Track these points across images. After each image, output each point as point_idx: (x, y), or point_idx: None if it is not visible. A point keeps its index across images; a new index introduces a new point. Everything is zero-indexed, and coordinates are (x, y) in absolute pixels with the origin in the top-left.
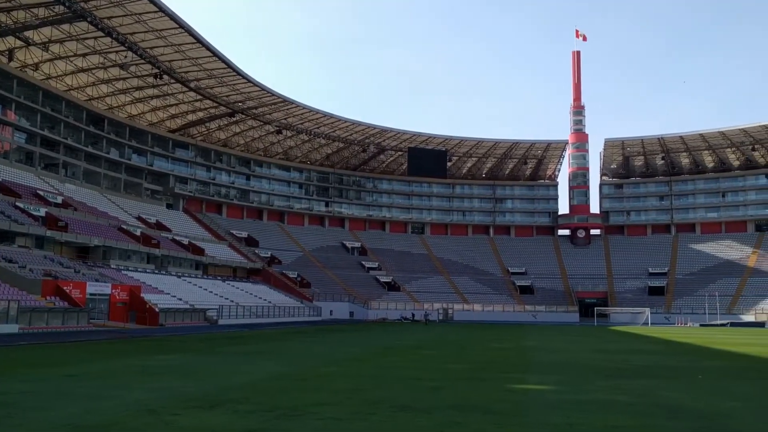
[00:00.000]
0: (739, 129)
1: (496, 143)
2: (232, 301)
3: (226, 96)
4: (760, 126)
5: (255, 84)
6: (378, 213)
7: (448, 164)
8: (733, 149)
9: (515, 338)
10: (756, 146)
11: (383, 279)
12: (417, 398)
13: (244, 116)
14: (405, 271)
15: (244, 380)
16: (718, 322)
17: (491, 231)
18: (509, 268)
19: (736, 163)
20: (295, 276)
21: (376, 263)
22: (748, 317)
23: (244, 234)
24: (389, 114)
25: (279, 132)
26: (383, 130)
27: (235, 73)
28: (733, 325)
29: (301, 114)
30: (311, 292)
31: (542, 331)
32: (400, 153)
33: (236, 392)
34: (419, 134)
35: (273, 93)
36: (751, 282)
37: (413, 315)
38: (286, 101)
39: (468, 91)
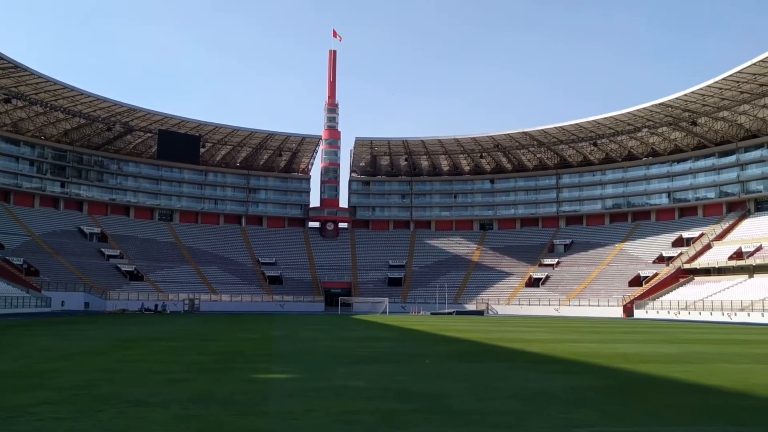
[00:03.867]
0: (470, 138)
1: (252, 133)
2: None
3: None
4: (487, 136)
5: None
6: (122, 197)
7: (202, 150)
8: (465, 155)
9: (262, 328)
10: (483, 154)
11: (125, 268)
12: (153, 392)
13: None
14: (150, 259)
15: None
16: (446, 310)
17: (243, 221)
18: (260, 259)
19: (467, 168)
20: (21, 263)
21: (118, 251)
22: (471, 306)
23: None
24: (140, 94)
25: (7, 101)
26: (132, 109)
27: None
28: (458, 313)
29: (36, 83)
30: (40, 281)
31: (289, 321)
32: (149, 135)
33: None
34: (171, 117)
35: (1, 56)
36: (474, 275)
37: (156, 306)
38: (17, 67)
39: (226, 78)
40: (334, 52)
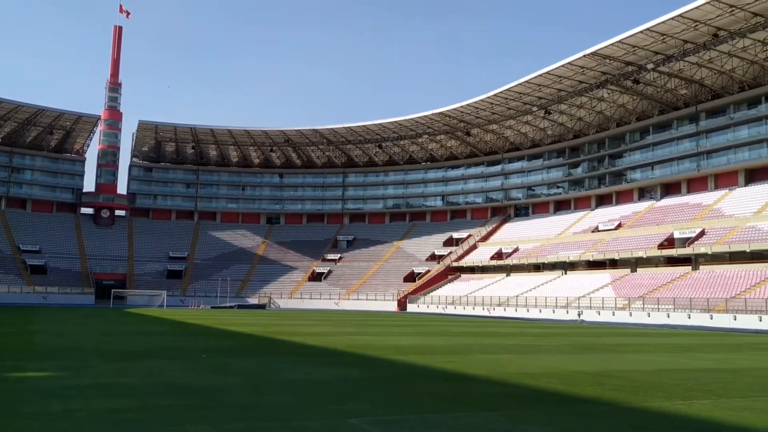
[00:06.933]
0: (262, 130)
1: (19, 106)
2: None
3: None
4: (278, 131)
5: None
6: None
7: None
8: (256, 148)
9: (19, 322)
10: (274, 148)
11: None
12: None
13: None
14: None
15: None
16: (228, 304)
17: (3, 203)
18: (21, 246)
19: (256, 161)
20: None
21: None
22: (253, 300)
23: None
24: None
25: None
26: None
27: None
28: (240, 307)
29: None
30: None
31: (53, 314)
32: None
33: None
34: None
35: None
36: (258, 268)
37: None
38: None
39: None
40: (120, 28)
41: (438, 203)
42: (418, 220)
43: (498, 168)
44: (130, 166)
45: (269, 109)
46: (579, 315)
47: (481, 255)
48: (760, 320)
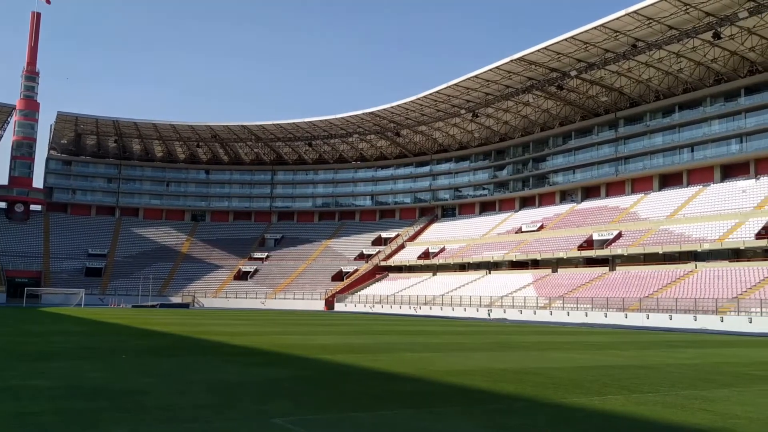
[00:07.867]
0: (188, 125)
1: None
2: None
3: None
4: (205, 126)
5: None
6: None
7: None
8: (181, 143)
9: None
10: (200, 144)
11: None
12: None
13: None
14: None
15: None
16: (150, 303)
17: None
18: None
19: (182, 157)
20: None
21: None
22: (177, 299)
23: None
24: None
25: None
26: None
27: None
28: (162, 306)
29: None
30: None
31: None
32: None
33: None
34: None
35: None
36: (182, 266)
37: None
38: None
39: None
40: (38, 14)
41: (367, 203)
42: (347, 219)
43: (426, 169)
44: (48, 159)
45: (195, 105)
46: (489, 313)
47: (409, 254)
48: (671, 319)
